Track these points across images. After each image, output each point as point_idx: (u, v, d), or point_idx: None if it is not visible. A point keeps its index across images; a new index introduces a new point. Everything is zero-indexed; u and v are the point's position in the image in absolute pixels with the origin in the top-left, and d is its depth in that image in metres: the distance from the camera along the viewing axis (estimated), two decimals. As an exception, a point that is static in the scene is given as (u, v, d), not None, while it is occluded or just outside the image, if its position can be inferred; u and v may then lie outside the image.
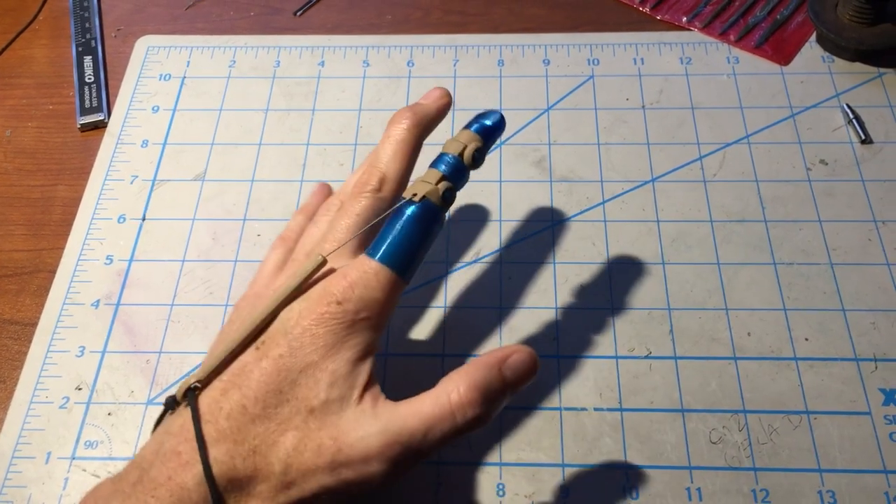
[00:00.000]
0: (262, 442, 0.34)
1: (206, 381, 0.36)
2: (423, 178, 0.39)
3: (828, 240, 0.51)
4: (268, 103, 0.60)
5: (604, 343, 0.48)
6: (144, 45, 0.65)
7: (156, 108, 0.60)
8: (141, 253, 0.53)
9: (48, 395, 0.48)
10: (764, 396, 0.46)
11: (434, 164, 0.40)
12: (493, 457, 0.44)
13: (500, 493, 0.43)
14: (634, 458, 0.44)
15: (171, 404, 0.37)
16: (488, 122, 0.42)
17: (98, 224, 0.54)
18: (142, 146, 0.58)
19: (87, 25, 0.66)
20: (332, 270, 0.37)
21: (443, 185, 0.38)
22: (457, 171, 0.40)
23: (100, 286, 0.52)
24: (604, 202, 0.54)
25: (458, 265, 0.51)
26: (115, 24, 0.67)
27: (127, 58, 0.64)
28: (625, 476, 0.43)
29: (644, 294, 0.50)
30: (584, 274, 0.51)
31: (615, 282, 0.50)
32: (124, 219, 0.55)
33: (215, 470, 0.33)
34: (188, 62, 0.63)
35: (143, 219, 0.55)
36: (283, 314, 0.36)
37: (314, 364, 0.34)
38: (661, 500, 0.43)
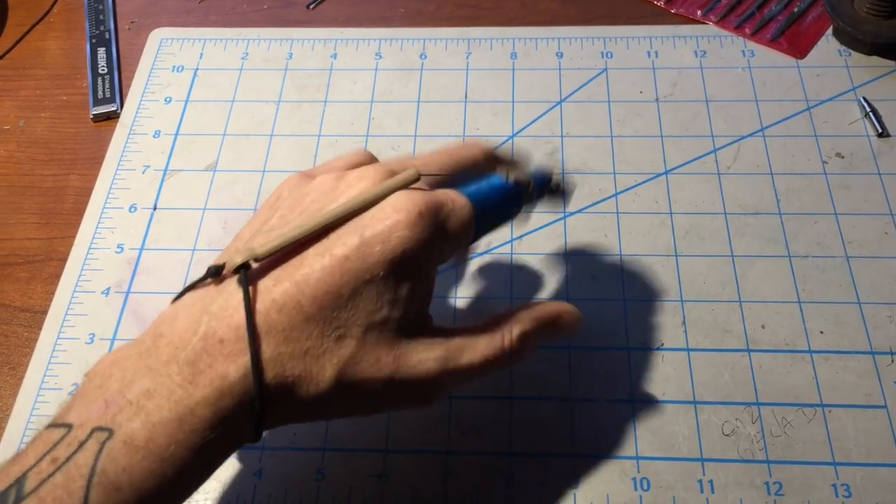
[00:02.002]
0: (316, 345, 0.32)
1: (265, 263, 0.33)
2: (519, 167, 0.40)
3: (843, 233, 0.50)
4: (280, 95, 0.60)
5: (616, 334, 0.47)
6: (158, 38, 0.65)
7: (168, 100, 0.61)
8: (151, 242, 0.53)
9: (57, 382, 0.47)
10: (778, 389, 0.45)
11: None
12: (503, 447, 0.44)
13: (510, 483, 0.43)
14: (646, 450, 0.43)
15: (214, 274, 0.33)
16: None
17: (109, 213, 0.55)
18: (154, 136, 0.58)
19: (101, 18, 0.67)
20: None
21: (531, 182, 0.40)
22: (542, 183, 0.41)
23: (110, 274, 0.52)
24: (616, 194, 0.53)
25: (470, 256, 0.51)
26: (128, 16, 0.67)
27: (140, 50, 0.64)
28: (636, 467, 0.43)
29: (656, 286, 0.49)
30: (597, 265, 0.50)
31: (627, 273, 0.50)
32: (135, 208, 0.55)
33: (262, 365, 0.31)
34: (201, 54, 0.63)
35: (155, 208, 0.55)
36: (360, 217, 0.34)
37: (380, 275, 0.32)
38: (673, 492, 0.42)
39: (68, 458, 0.29)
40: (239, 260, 0.32)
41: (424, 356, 0.34)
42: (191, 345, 0.31)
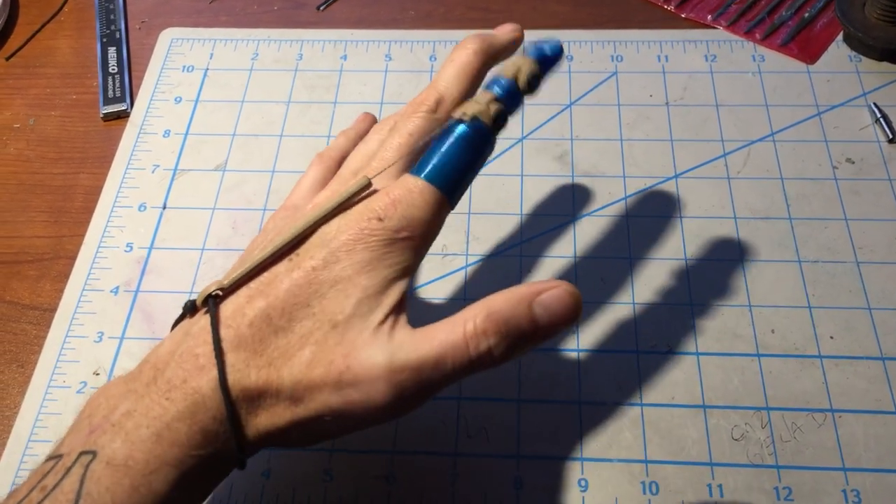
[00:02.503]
0: (281, 355, 0.32)
1: (232, 289, 0.34)
2: (475, 98, 0.37)
3: (854, 238, 0.50)
4: (290, 95, 0.60)
5: (625, 337, 0.47)
6: (168, 38, 0.65)
7: (178, 99, 0.61)
8: (161, 241, 0.53)
9: (66, 380, 0.47)
10: (788, 394, 0.45)
11: (487, 87, 0.37)
12: (511, 449, 0.44)
13: (518, 485, 0.43)
14: (655, 454, 0.43)
15: (190, 308, 0.35)
16: (547, 50, 0.38)
17: (119, 212, 0.55)
18: (164, 136, 0.58)
19: (111, 17, 0.67)
20: (377, 191, 0.35)
21: (494, 107, 0.36)
22: (510, 95, 0.37)
23: (119, 273, 0.52)
24: (626, 197, 0.53)
25: (478, 258, 0.51)
26: (139, 16, 0.68)
27: (150, 49, 0.64)
28: (644, 471, 0.43)
29: (666, 289, 0.49)
30: (606, 268, 0.50)
31: (637, 277, 0.50)
32: (145, 207, 0.55)
33: (230, 377, 0.32)
34: (211, 54, 0.63)
35: (164, 207, 0.55)
36: (322, 229, 0.34)
37: (347, 279, 0.33)
38: (682, 497, 0.42)
39: (56, 485, 0.30)
40: (210, 291, 0.34)
41: (375, 351, 0.32)
42: (169, 364, 0.33)
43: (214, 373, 0.32)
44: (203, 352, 0.32)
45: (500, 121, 0.37)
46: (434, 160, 0.35)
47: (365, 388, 0.31)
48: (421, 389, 0.32)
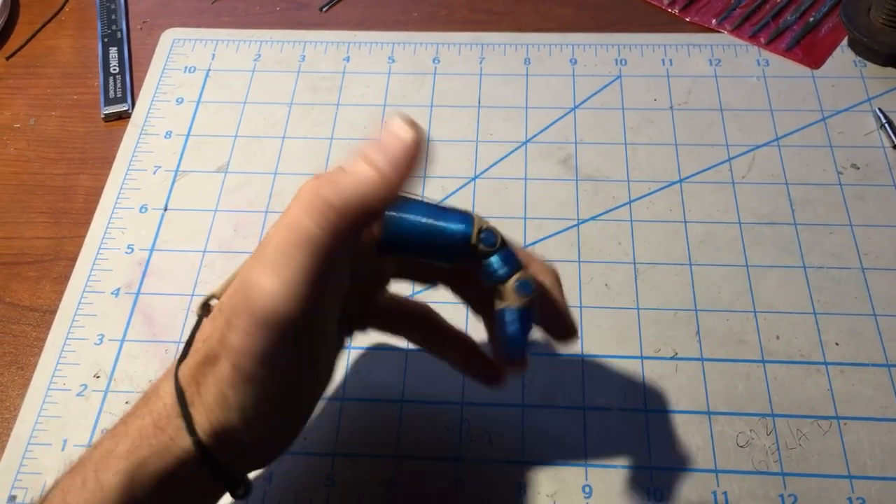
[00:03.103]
0: (211, 335, 0.32)
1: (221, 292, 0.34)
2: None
3: (859, 244, 0.50)
4: (292, 97, 0.60)
5: (629, 343, 0.47)
6: (170, 38, 0.65)
7: (180, 100, 0.60)
8: (162, 243, 0.53)
9: (66, 383, 0.47)
10: (793, 400, 0.45)
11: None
12: (515, 455, 0.44)
13: (521, 491, 0.42)
14: (659, 460, 0.43)
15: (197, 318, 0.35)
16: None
17: (120, 213, 0.54)
18: (165, 137, 0.58)
19: (112, 17, 0.66)
20: None
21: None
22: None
23: (120, 275, 0.51)
24: (630, 202, 0.53)
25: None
26: (140, 16, 0.67)
27: (152, 50, 0.64)
28: (649, 477, 0.42)
29: (670, 295, 0.49)
30: (610, 273, 0.50)
31: (641, 282, 0.49)
32: (146, 209, 0.54)
33: (186, 362, 0.32)
34: (213, 55, 0.63)
35: (165, 209, 0.54)
36: None
37: None
38: (687, 504, 0.42)
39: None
40: (202, 300, 0.35)
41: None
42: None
43: (174, 368, 0.33)
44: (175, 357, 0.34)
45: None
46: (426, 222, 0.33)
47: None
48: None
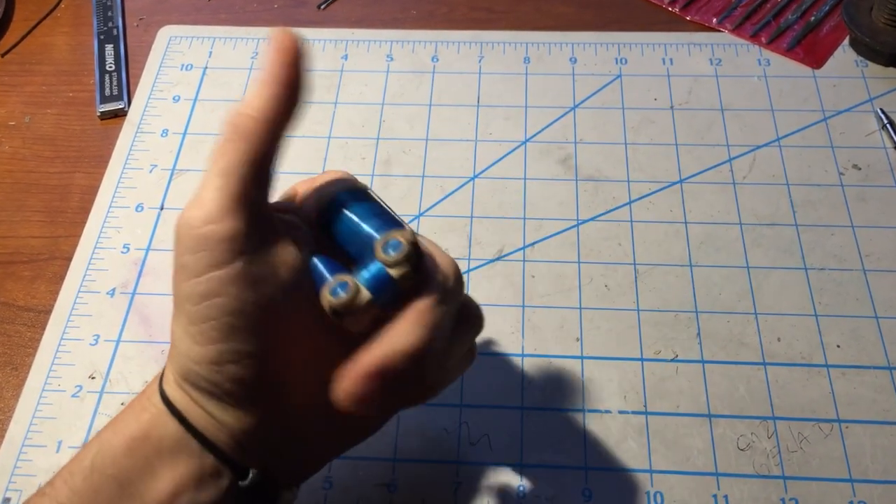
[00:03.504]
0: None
1: None
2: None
3: (861, 245, 0.50)
4: (290, 95, 0.59)
5: (629, 345, 0.47)
6: (166, 35, 0.64)
7: (177, 98, 0.60)
8: (158, 242, 0.52)
9: (61, 384, 0.47)
10: (794, 403, 0.44)
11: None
12: (514, 458, 0.43)
13: (521, 494, 0.42)
14: (659, 463, 0.43)
15: None
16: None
17: (116, 212, 0.54)
18: (162, 135, 0.58)
19: (109, 14, 0.66)
20: None
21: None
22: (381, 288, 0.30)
23: (116, 275, 0.51)
24: (630, 202, 0.53)
25: (481, 262, 0.50)
26: (137, 13, 0.67)
27: (148, 47, 0.64)
28: (649, 481, 0.42)
29: (671, 296, 0.48)
30: (610, 274, 0.50)
31: (641, 283, 0.49)
32: (142, 208, 0.54)
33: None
34: (210, 52, 0.63)
35: (162, 208, 0.54)
36: None
37: None
38: (687, 507, 0.41)
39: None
40: None
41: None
42: None
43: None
44: None
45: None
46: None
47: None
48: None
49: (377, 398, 0.29)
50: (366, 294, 0.29)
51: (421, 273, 0.29)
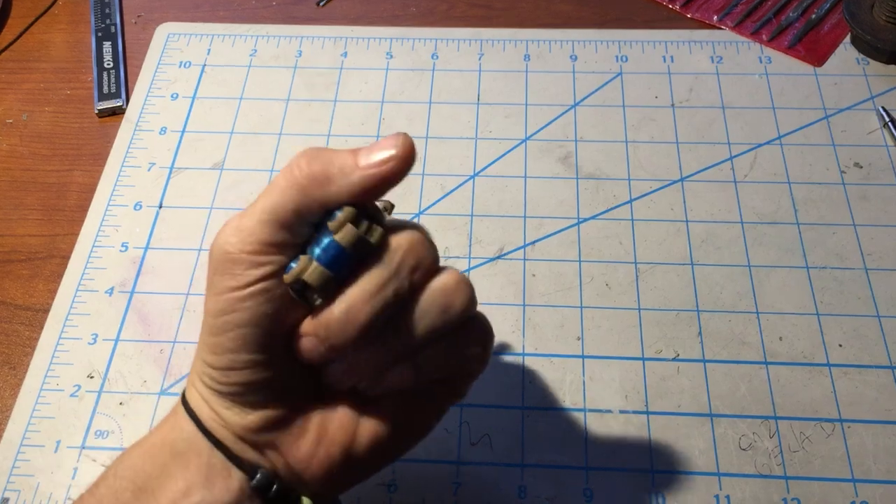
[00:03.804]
0: None
1: None
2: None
3: (862, 244, 0.50)
4: (289, 93, 0.59)
5: (630, 344, 0.47)
6: (165, 32, 0.64)
7: (175, 96, 0.59)
8: (157, 241, 0.52)
9: (59, 383, 0.46)
10: (796, 403, 0.44)
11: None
12: (515, 458, 0.43)
13: (522, 494, 0.42)
14: (661, 463, 0.43)
15: None
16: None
17: (114, 211, 0.53)
18: (160, 133, 0.57)
19: (107, 11, 0.65)
20: None
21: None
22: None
23: (114, 273, 0.51)
24: (631, 200, 0.52)
25: (481, 261, 0.50)
26: (135, 10, 0.66)
27: (147, 44, 0.63)
28: (651, 481, 0.42)
29: (672, 295, 0.48)
30: (611, 273, 0.49)
31: (642, 282, 0.49)
32: (140, 206, 0.54)
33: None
34: (209, 50, 0.62)
35: (160, 206, 0.54)
36: None
37: None
38: (689, 507, 0.41)
39: None
40: None
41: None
42: None
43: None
44: None
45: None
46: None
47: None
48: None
49: (320, 355, 0.30)
50: (315, 264, 0.29)
51: (375, 240, 0.30)
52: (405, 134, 0.30)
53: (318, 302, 0.29)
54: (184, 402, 0.33)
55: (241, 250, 0.29)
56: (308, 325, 0.30)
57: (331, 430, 0.32)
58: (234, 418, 0.31)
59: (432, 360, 0.31)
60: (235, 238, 0.30)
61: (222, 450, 0.31)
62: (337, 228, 0.29)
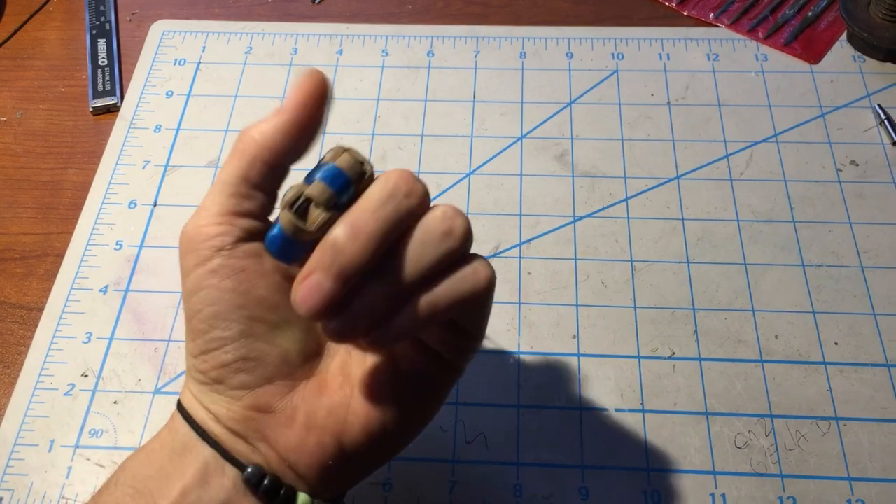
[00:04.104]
0: None
1: None
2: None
3: (858, 242, 0.50)
4: (284, 90, 0.59)
5: (626, 342, 0.46)
6: (160, 30, 0.64)
7: (170, 93, 0.59)
8: (151, 239, 0.52)
9: (53, 382, 0.46)
10: (791, 401, 0.44)
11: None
12: (511, 456, 0.43)
13: (517, 493, 0.42)
14: (656, 462, 0.42)
15: None
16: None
17: (108, 209, 0.53)
18: (155, 131, 0.57)
19: (101, 8, 0.65)
20: None
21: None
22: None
23: (108, 272, 0.50)
24: (627, 199, 0.52)
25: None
26: (130, 7, 0.66)
27: (141, 42, 0.63)
28: (646, 479, 0.42)
29: (668, 293, 0.48)
30: (606, 271, 0.49)
31: (638, 280, 0.49)
32: (135, 204, 0.53)
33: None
34: (204, 47, 0.62)
35: (155, 204, 0.53)
36: None
37: None
38: (684, 506, 0.41)
39: None
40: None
41: None
42: None
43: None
44: None
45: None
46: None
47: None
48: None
49: (324, 296, 0.29)
50: (316, 181, 0.29)
51: (368, 172, 0.30)
52: (311, 72, 0.31)
53: (322, 217, 0.29)
54: (178, 403, 0.33)
55: (197, 225, 0.31)
56: (311, 262, 0.29)
57: (320, 416, 0.31)
58: (222, 410, 0.31)
59: (440, 299, 0.30)
60: (193, 220, 0.31)
61: (214, 446, 0.31)
62: (334, 157, 0.30)
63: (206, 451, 0.31)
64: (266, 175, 0.31)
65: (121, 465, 0.33)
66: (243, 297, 0.31)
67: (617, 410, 0.44)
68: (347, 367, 0.33)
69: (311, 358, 0.33)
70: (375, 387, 0.32)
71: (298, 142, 0.31)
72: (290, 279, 0.31)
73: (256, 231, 0.32)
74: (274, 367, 0.31)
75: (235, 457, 0.31)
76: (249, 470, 0.31)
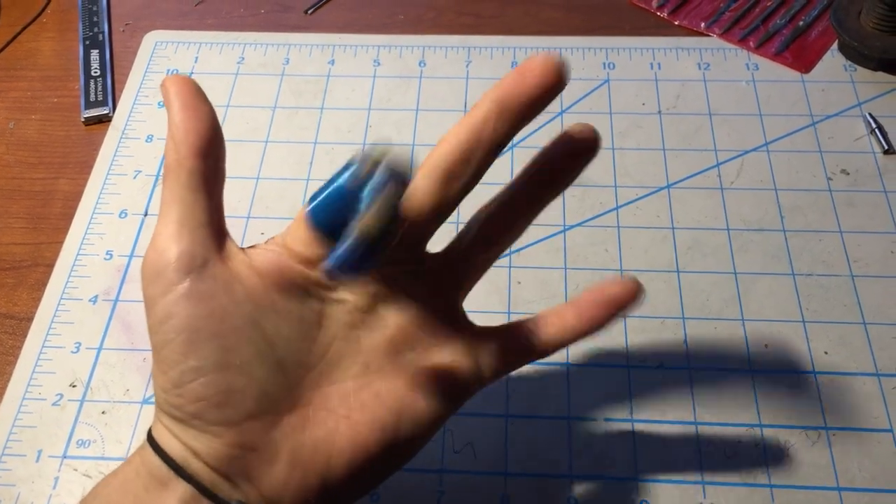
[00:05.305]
0: None
1: None
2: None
3: (849, 251, 0.49)
4: (276, 101, 0.59)
5: (615, 352, 0.46)
6: (152, 41, 0.64)
7: (162, 104, 0.59)
8: (142, 249, 0.52)
9: (41, 392, 0.46)
10: (781, 411, 0.44)
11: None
12: (499, 467, 0.43)
13: (505, 503, 0.42)
14: (645, 472, 0.42)
15: None
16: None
17: (99, 219, 0.53)
18: (146, 141, 0.57)
19: (94, 19, 0.65)
20: None
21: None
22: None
23: (98, 281, 0.50)
24: (617, 208, 0.52)
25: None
26: (123, 18, 0.66)
27: (134, 53, 0.63)
28: (635, 489, 0.42)
29: (657, 302, 0.48)
30: (596, 280, 0.49)
31: (628, 289, 0.49)
32: (126, 214, 0.54)
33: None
34: (196, 58, 0.62)
35: (146, 214, 0.53)
36: None
37: None
38: (673, 516, 0.41)
39: None
40: None
41: None
42: None
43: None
44: None
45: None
46: None
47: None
48: None
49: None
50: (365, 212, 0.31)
51: None
52: (178, 80, 0.33)
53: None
54: (150, 439, 0.31)
55: (157, 250, 0.30)
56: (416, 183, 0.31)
57: (305, 452, 0.31)
58: (201, 447, 0.30)
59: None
60: (150, 247, 0.31)
61: (193, 483, 0.30)
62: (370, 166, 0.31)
63: (183, 486, 0.30)
64: (201, 182, 0.32)
65: (92, 491, 0.31)
66: (218, 325, 0.29)
67: (606, 420, 0.44)
68: (330, 400, 0.32)
69: (291, 390, 0.31)
70: (363, 423, 0.31)
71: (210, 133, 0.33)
72: (260, 310, 0.30)
73: (223, 245, 0.32)
74: (254, 400, 0.30)
75: (217, 493, 0.30)
76: None
